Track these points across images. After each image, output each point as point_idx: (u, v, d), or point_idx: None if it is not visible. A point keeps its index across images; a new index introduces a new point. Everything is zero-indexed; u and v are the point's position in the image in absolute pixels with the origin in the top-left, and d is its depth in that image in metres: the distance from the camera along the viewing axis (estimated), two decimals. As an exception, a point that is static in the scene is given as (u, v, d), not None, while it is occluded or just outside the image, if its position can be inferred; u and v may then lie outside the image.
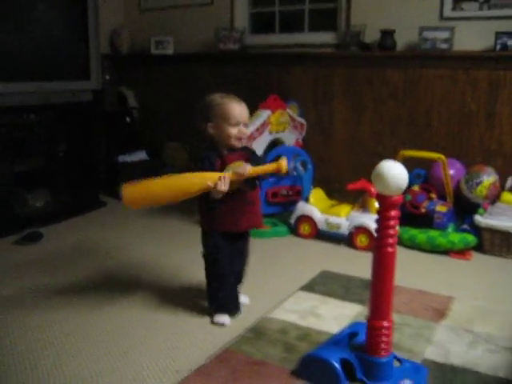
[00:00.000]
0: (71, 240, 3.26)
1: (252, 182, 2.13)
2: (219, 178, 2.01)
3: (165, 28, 4.61)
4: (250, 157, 2.19)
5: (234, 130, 2.13)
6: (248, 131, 2.28)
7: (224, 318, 2.19)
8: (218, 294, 2.21)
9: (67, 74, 3.66)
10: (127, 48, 4.73)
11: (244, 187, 2.12)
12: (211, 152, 2.15)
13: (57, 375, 1.82)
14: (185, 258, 2.94)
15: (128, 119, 4.62)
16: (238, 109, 2.14)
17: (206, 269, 2.25)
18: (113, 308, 2.34)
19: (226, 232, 2.19)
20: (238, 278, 2.33)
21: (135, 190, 2.16)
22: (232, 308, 2.24)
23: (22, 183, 3.55)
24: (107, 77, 4.44)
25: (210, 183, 2.01)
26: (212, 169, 2.09)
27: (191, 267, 2.74)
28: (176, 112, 4.61)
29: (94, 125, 4.04)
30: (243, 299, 2.34)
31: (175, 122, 4.63)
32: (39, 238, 3.24)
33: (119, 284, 2.61)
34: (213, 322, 2.19)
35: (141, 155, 4.38)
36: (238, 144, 2.16)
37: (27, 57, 3.40)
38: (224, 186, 2.00)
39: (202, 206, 2.21)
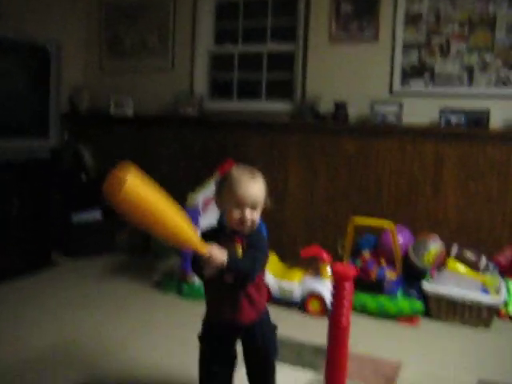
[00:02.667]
0: (18, 301, 3.18)
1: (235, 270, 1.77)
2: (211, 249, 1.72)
3: (125, 89, 4.70)
4: (248, 245, 1.85)
5: (236, 213, 1.83)
6: (256, 216, 1.87)
7: None
8: None
9: (26, 132, 3.67)
10: (87, 107, 4.78)
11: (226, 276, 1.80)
12: (210, 231, 1.92)
13: None
14: (137, 327, 2.91)
15: (84, 178, 4.61)
16: (244, 189, 1.83)
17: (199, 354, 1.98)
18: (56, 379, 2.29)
19: (213, 324, 1.92)
20: (258, 376, 2.01)
21: (141, 183, 1.77)
22: None
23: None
24: (66, 136, 4.45)
25: (203, 249, 1.72)
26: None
27: (147, 340, 2.72)
28: (133, 172, 4.64)
29: (49, 183, 4.02)
30: None
31: (132, 182, 4.65)
32: (-13, 297, 3.16)
33: (68, 353, 2.53)
34: None
35: (95, 215, 4.36)
36: (239, 228, 1.85)
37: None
38: (217, 257, 1.71)
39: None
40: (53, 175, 4.07)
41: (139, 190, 1.73)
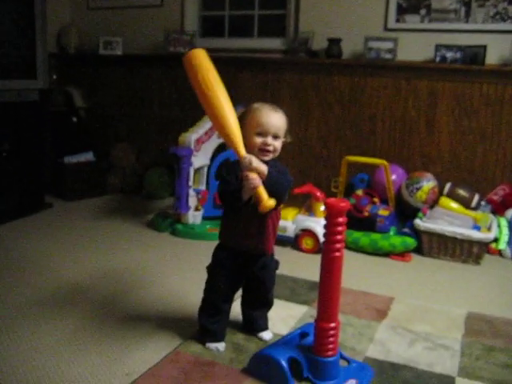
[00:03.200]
0: (14, 243, 3.20)
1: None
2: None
3: (114, 28, 4.58)
4: (268, 177, 1.82)
5: (258, 140, 1.88)
6: (277, 144, 1.91)
7: (218, 345, 2.04)
8: (210, 325, 2.06)
9: (13, 73, 3.59)
10: (75, 47, 4.67)
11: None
12: (234, 162, 1.92)
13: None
14: (132, 264, 2.95)
15: (74, 119, 4.56)
16: (267, 117, 1.88)
17: (206, 281, 2.08)
18: (59, 315, 2.32)
19: (230, 248, 2.01)
20: (254, 305, 2.15)
21: (207, 60, 1.94)
22: (221, 336, 2.08)
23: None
24: (54, 76, 4.37)
25: (243, 152, 1.78)
26: (234, 177, 1.85)
27: (141, 276, 2.76)
28: (125, 113, 4.60)
29: (39, 125, 3.97)
30: (265, 334, 2.14)
31: (123, 123, 4.62)
32: (-18, 239, 3.17)
33: (65, 288, 2.57)
34: (206, 348, 2.05)
35: (87, 156, 4.33)
36: (261, 157, 1.88)
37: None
38: (259, 166, 1.77)
39: (223, 216, 2.04)
40: (43, 117, 4.01)
41: (205, 60, 1.94)
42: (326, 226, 1.72)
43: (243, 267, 2.02)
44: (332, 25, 3.78)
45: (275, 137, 1.90)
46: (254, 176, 1.76)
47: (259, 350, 1.93)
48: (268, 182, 1.80)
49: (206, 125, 3.44)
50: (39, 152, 4.00)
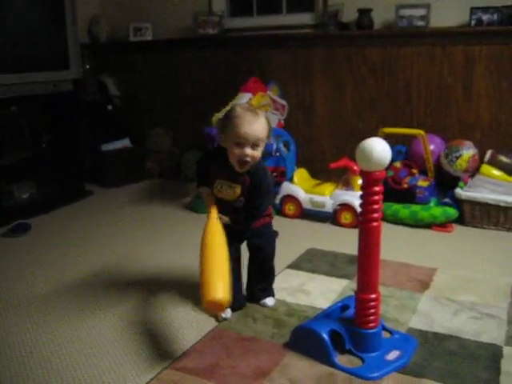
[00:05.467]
0: (59, 230, 3.28)
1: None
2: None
3: (142, 14, 4.59)
4: (250, 184, 1.98)
5: (236, 151, 1.91)
6: (257, 154, 1.93)
7: (224, 312, 2.08)
8: None
9: (46, 65, 3.64)
10: (106, 36, 4.71)
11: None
12: (211, 158, 2.07)
13: (49, 367, 1.86)
14: (175, 246, 2.98)
15: (110, 107, 4.61)
16: (246, 127, 1.88)
17: None
18: (107, 301, 2.37)
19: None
20: (255, 276, 2.21)
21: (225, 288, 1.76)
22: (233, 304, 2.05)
23: (6, 176, 3.55)
24: (87, 66, 4.43)
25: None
26: (202, 168, 2.07)
27: (184, 256, 2.79)
28: (158, 98, 4.63)
29: (75, 114, 4.03)
30: (268, 301, 2.20)
31: (158, 108, 4.65)
32: (27, 229, 3.25)
33: (113, 275, 2.61)
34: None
35: (124, 143, 4.39)
36: (239, 168, 1.95)
37: (5, 49, 3.38)
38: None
39: None
40: (78, 106, 4.07)
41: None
42: (362, 197, 1.70)
43: (235, 239, 2.06)
44: (361, -5, 3.70)
45: (255, 144, 1.92)
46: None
47: (300, 323, 1.93)
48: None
49: (239, 103, 3.42)
50: (77, 141, 4.07)
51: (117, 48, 4.75)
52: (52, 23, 3.68)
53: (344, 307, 1.95)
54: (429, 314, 2.10)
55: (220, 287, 1.71)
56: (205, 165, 2.10)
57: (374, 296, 1.75)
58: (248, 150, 1.90)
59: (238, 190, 1.99)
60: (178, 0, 4.44)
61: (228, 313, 2.10)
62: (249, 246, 2.16)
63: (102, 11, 4.83)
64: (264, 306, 2.19)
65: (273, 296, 2.23)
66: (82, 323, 2.12)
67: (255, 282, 2.22)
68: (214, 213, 1.98)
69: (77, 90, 3.91)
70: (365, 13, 3.62)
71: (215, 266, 1.79)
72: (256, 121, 1.90)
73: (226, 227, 1.99)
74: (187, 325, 2.08)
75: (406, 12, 3.52)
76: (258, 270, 2.21)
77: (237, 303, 2.08)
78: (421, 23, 3.49)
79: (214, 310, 1.92)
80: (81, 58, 3.93)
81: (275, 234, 2.27)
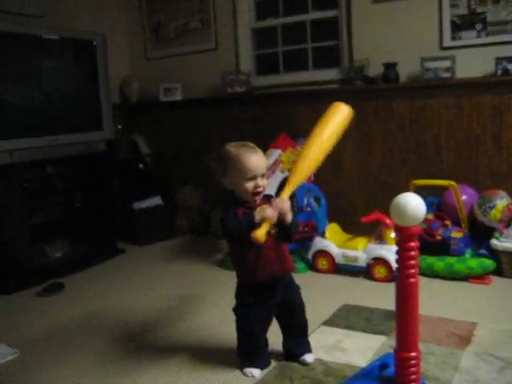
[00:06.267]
0: (92, 289, 3.29)
1: (286, 230, 1.99)
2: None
3: (172, 75, 4.73)
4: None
5: (250, 185, 1.97)
6: (265, 182, 2.02)
7: (253, 371, 2.08)
8: (247, 349, 2.13)
9: (81, 126, 3.76)
10: (137, 96, 4.85)
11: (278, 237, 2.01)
12: (232, 205, 2.04)
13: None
14: (211, 304, 2.97)
15: (141, 166, 4.70)
16: (253, 161, 1.96)
17: (236, 322, 2.15)
18: (138, 360, 2.35)
19: (252, 282, 2.05)
20: (291, 332, 2.19)
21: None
22: (260, 364, 2.12)
23: (40, 235, 3.61)
24: (119, 126, 4.54)
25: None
26: (236, 217, 1.98)
27: (212, 317, 2.77)
28: (187, 156, 4.70)
29: (108, 173, 4.11)
30: (307, 357, 2.15)
31: (187, 166, 4.72)
32: (60, 288, 3.27)
33: (147, 339, 2.57)
34: (243, 373, 2.11)
35: (156, 200, 4.45)
36: (256, 199, 2.01)
37: (41, 111, 3.50)
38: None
39: (234, 256, 2.15)
40: (110, 166, 4.16)
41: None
42: (398, 252, 1.68)
43: (269, 297, 2.06)
44: (386, 49, 3.75)
45: (263, 175, 2.00)
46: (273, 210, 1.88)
47: (338, 383, 1.88)
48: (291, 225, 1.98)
49: (269, 160, 3.46)
50: (109, 200, 4.13)
51: (147, 108, 4.88)
52: (85, 86, 3.82)
53: (383, 366, 1.89)
54: (472, 371, 2.02)
55: None
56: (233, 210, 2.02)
57: (414, 354, 1.70)
58: (261, 181, 1.98)
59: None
60: (207, 60, 4.58)
61: (256, 373, 2.08)
62: (280, 302, 2.11)
63: (133, 72, 4.99)
64: (303, 362, 2.14)
65: (310, 352, 2.19)
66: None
67: (292, 337, 2.19)
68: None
69: (109, 149, 4.01)
70: (390, 67, 3.67)
71: None
72: (256, 153, 1.99)
73: (259, 289, 2.03)
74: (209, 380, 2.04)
75: (432, 64, 3.55)
76: (293, 324, 2.18)
77: (266, 365, 2.13)
78: (446, 75, 3.52)
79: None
80: (113, 118, 4.04)
81: (298, 287, 2.22)
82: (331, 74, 4.09)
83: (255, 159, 1.97)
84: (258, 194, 2.00)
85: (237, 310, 2.13)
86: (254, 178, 1.96)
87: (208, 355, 2.29)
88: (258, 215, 1.87)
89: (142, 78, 4.91)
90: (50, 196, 3.79)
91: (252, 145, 2.04)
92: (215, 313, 2.77)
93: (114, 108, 4.28)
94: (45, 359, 2.36)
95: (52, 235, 3.73)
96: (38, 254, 3.61)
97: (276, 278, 2.06)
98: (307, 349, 2.19)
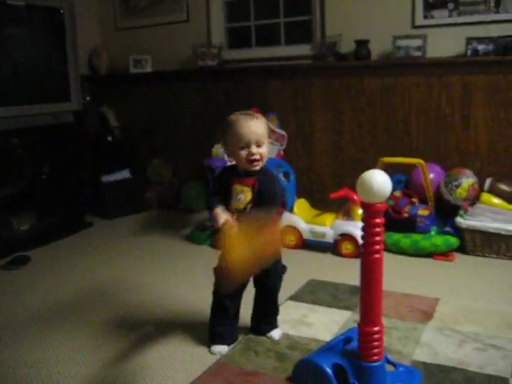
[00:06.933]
0: (59, 262, 3.26)
1: None
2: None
3: (142, 46, 4.65)
4: (258, 189, 1.94)
5: (243, 153, 1.91)
6: (263, 151, 1.93)
7: (220, 348, 2.08)
8: (217, 327, 2.12)
9: (47, 97, 3.67)
10: (106, 68, 4.75)
11: None
12: (224, 174, 2.04)
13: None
14: (174, 278, 2.96)
15: (110, 138, 4.63)
16: (246, 128, 1.90)
17: (214, 284, 2.14)
18: (103, 332, 2.34)
19: None
20: (260, 311, 2.20)
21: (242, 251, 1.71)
22: (228, 340, 2.13)
23: (6, 207, 3.55)
24: (88, 97, 4.46)
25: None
26: (213, 191, 2.00)
27: (183, 289, 2.77)
28: (158, 129, 4.65)
29: (76, 146, 4.04)
30: (274, 334, 2.17)
31: (158, 139, 4.67)
32: (26, 261, 3.23)
33: (111, 307, 2.58)
34: (210, 352, 2.09)
35: (124, 174, 4.40)
36: (250, 167, 1.93)
37: (6, 81, 3.41)
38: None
39: None
40: (79, 138, 4.09)
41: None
42: (363, 228, 1.69)
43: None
44: (359, 26, 3.75)
45: (258, 145, 1.92)
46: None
47: (303, 357, 1.90)
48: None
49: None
50: (77, 172, 4.07)
51: (117, 80, 4.80)
52: (53, 55, 3.73)
53: (347, 340, 1.92)
54: (433, 345, 2.07)
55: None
56: (215, 188, 2.05)
57: (377, 328, 1.73)
58: (254, 149, 1.90)
59: (249, 195, 1.95)
60: (178, 32, 4.50)
61: (224, 350, 2.09)
62: (253, 279, 2.13)
63: (103, 43, 4.89)
64: (270, 338, 2.17)
65: (277, 327, 2.21)
66: (77, 353, 2.09)
67: (260, 316, 2.21)
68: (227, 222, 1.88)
69: (77, 121, 3.93)
70: (362, 44, 3.66)
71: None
72: (252, 120, 1.93)
73: None
74: (189, 358, 2.05)
75: (403, 43, 3.56)
76: (266, 306, 2.20)
77: (231, 339, 2.14)
78: (417, 53, 3.53)
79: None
80: (81, 89, 3.96)
81: (283, 269, 2.19)
82: (303, 49, 4.06)
83: (249, 126, 1.91)
84: (253, 162, 1.92)
85: (215, 270, 2.09)
86: (246, 145, 1.91)
87: (178, 328, 2.31)
88: (217, 222, 1.88)
89: (112, 48, 4.81)
90: (16, 168, 3.72)
91: (252, 113, 1.98)
92: (184, 285, 2.77)
93: (83, 79, 4.19)
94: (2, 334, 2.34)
95: (18, 208, 3.67)
96: (4, 226, 3.55)
97: None
98: (275, 325, 2.21)
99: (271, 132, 2.04)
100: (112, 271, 3.07)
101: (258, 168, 1.94)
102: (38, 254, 3.40)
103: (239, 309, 2.18)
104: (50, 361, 2.07)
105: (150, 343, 2.18)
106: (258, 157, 1.91)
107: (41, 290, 2.81)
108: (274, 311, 2.22)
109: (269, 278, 2.10)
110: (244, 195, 1.96)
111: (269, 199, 1.93)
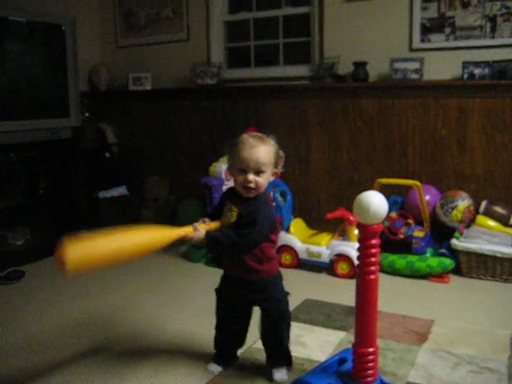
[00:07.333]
0: (53, 278, 3.24)
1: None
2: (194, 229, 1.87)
3: (142, 64, 4.68)
4: (240, 213, 1.89)
5: (240, 177, 1.85)
6: (260, 180, 1.85)
7: (213, 367, 2.07)
8: (216, 344, 2.11)
9: (47, 112, 3.70)
10: (105, 85, 4.78)
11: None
12: (229, 191, 2.01)
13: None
14: (170, 297, 2.95)
15: (107, 155, 4.64)
16: (246, 153, 1.82)
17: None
18: (94, 351, 2.33)
19: (226, 274, 2.05)
20: (262, 338, 2.05)
21: (81, 250, 1.67)
22: (221, 361, 2.09)
23: (1, 221, 3.54)
24: (86, 114, 4.48)
25: (183, 233, 1.91)
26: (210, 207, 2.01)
27: (178, 309, 2.76)
28: (156, 146, 4.66)
29: (73, 161, 4.06)
30: (276, 373, 2.00)
31: (155, 156, 4.68)
32: (20, 276, 3.22)
33: (106, 325, 2.57)
34: (206, 369, 2.08)
35: (121, 190, 4.40)
36: (244, 193, 1.88)
37: (6, 96, 3.43)
38: (194, 237, 1.89)
39: None
40: (76, 154, 4.10)
41: (83, 258, 1.66)
42: (359, 249, 1.70)
43: (238, 293, 2.00)
44: (357, 48, 3.79)
45: (257, 172, 1.84)
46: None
47: (297, 377, 1.89)
48: (207, 245, 1.93)
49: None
50: (74, 188, 4.08)
51: (116, 97, 4.82)
52: (53, 71, 3.75)
53: (342, 360, 1.92)
54: (427, 367, 2.07)
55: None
56: (217, 202, 2.07)
57: (372, 350, 1.73)
58: (250, 176, 1.83)
59: (235, 215, 1.90)
60: (178, 51, 4.54)
61: (217, 370, 2.07)
62: (260, 307, 2.02)
63: (103, 61, 4.92)
64: (271, 378, 2.00)
65: (282, 366, 2.03)
66: (71, 374, 2.08)
67: (263, 344, 2.07)
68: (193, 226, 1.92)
69: (76, 137, 3.95)
70: (360, 65, 3.70)
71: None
72: (258, 146, 1.83)
73: (232, 282, 2.01)
74: (183, 377, 2.04)
75: (401, 65, 3.60)
76: (263, 331, 2.03)
77: (225, 360, 2.10)
78: (415, 76, 3.57)
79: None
80: (80, 106, 3.98)
81: (285, 297, 2.03)
82: (301, 70, 4.10)
83: (252, 152, 1.82)
84: (247, 189, 1.86)
85: (216, 291, 2.09)
86: (244, 170, 1.84)
87: (173, 345, 2.30)
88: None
89: (112, 66, 4.85)
90: (12, 182, 3.72)
91: (266, 138, 1.89)
92: (178, 303, 2.76)
93: (82, 96, 4.21)
94: None
95: (14, 222, 3.66)
96: (-1, 241, 3.55)
97: (246, 281, 1.96)
98: (277, 363, 2.04)
99: (280, 159, 1.95)
100: (106, 290, 3.05)
101: (251, 196, 1.88)
102: (33, 269, 3.39)
103: (244, 332, 2.10)
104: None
105: (140, 363, 2.17)
106: (252, 185, 1.84)
107: (35, 307, 2.79)
108: (273, 341, 2.03)
109: (267, 302, 1.97)
110: (230, 214, 1.92)
111: (251, 222, 1.85)
